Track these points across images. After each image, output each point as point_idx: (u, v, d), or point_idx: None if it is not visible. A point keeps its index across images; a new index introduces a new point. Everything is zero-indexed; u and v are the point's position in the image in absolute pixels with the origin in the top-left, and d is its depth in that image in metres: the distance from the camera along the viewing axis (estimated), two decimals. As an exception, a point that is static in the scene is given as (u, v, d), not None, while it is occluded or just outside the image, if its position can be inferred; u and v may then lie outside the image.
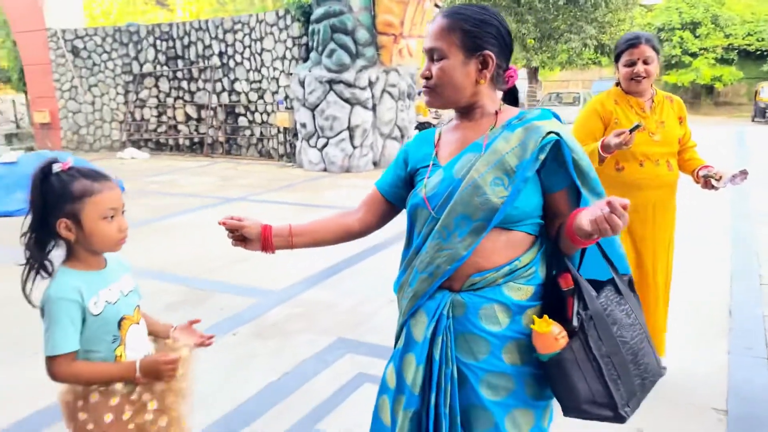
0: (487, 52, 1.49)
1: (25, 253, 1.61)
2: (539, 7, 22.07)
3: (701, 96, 28.15)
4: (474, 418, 1.51)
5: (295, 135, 12.17)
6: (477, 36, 1.48)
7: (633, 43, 2.82)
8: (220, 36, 13.31)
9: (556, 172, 1.48)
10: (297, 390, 3.14)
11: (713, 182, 2.83)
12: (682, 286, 3.69)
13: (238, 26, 13.04)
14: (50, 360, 1.54)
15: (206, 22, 13.58)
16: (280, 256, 6.03)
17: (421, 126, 13.14)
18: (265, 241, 1.66)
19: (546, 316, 1.42)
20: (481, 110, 1.56)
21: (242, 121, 13.53)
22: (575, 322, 1.39)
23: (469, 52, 1.49)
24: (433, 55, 1.52)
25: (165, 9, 36.12)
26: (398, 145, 11.53)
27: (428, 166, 1.60)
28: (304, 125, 11.47)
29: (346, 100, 10.99)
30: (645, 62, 2.82)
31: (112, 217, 1.60)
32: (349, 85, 10.88)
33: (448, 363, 1.50)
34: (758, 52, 27.59)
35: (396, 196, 1.71)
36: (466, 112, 1.58)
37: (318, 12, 11.08)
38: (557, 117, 1.54)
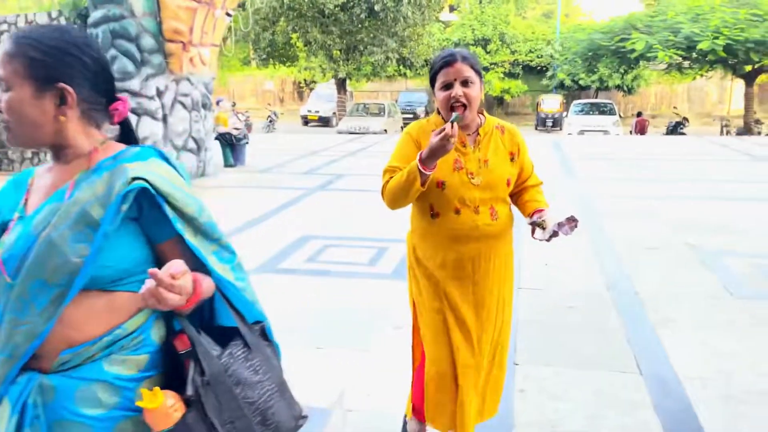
0: (62, 85, 1.24)
1: None
2: (343, 19, 22.53)
3: (494, 107, 30.74)
4: None
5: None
6: (48, 65, 1.23)
7: (447, 61, 2.22)
8: (-19, 37, 11.72)
9: (158, 221, 1.26)
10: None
11: (537, 232, 2.31)
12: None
13: (4, 26, 11.56)
14: None
15: (-37, 20, 11.88)
16: None
17: (222, 137, 12.59)
18: None
19: (157, 388, 1.21)
20: (72, 150, 1.30)
21: (14, 133, 12.01)
22: (190, 391, 1.20)
23: (41, 84, 1.24)
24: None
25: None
26: (194, 158, 10.94)
27: (14, 218, 1.30)
28: (85, 138, 10.44)
29: (133, 111, 10.18)
30: (464, 84, 2.21)
31: None
32: (134, 94, 10.09)
33: None
34: (539, 68, 30.86)
35: None
36: (56, 152, 1.32)
37: (96, 15, 10.12)
38: (161, 155, 1.34)
